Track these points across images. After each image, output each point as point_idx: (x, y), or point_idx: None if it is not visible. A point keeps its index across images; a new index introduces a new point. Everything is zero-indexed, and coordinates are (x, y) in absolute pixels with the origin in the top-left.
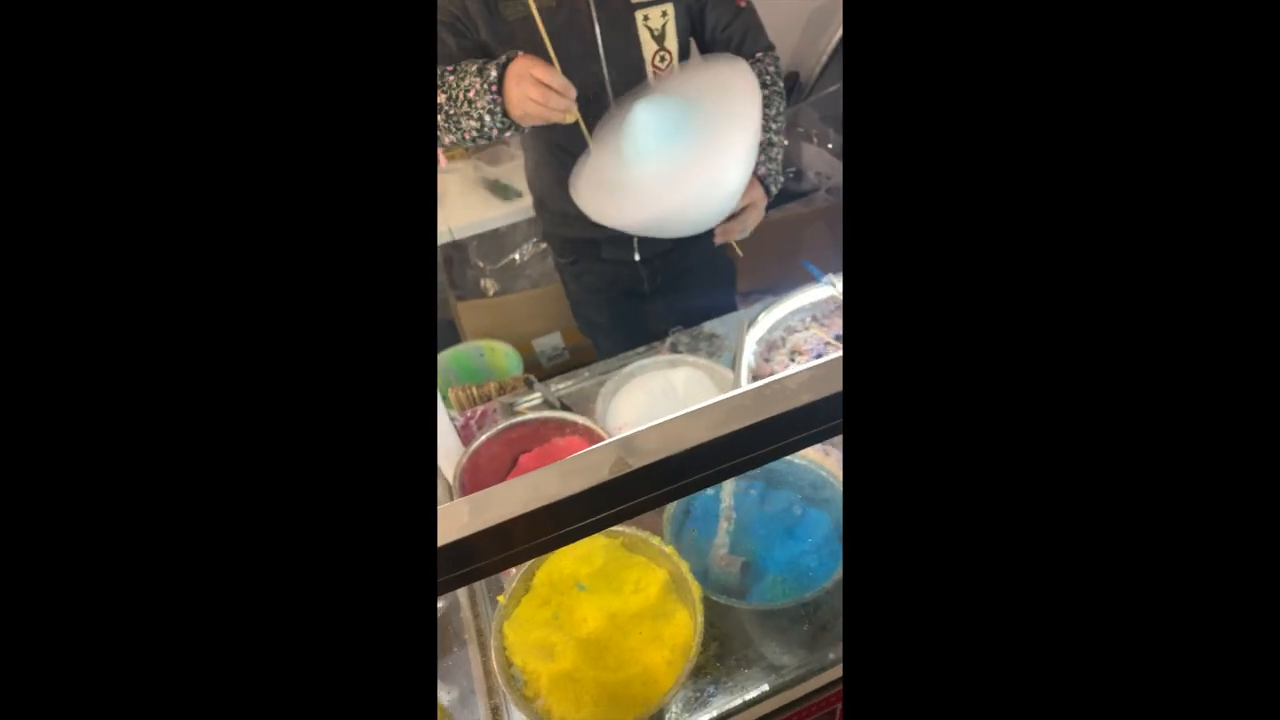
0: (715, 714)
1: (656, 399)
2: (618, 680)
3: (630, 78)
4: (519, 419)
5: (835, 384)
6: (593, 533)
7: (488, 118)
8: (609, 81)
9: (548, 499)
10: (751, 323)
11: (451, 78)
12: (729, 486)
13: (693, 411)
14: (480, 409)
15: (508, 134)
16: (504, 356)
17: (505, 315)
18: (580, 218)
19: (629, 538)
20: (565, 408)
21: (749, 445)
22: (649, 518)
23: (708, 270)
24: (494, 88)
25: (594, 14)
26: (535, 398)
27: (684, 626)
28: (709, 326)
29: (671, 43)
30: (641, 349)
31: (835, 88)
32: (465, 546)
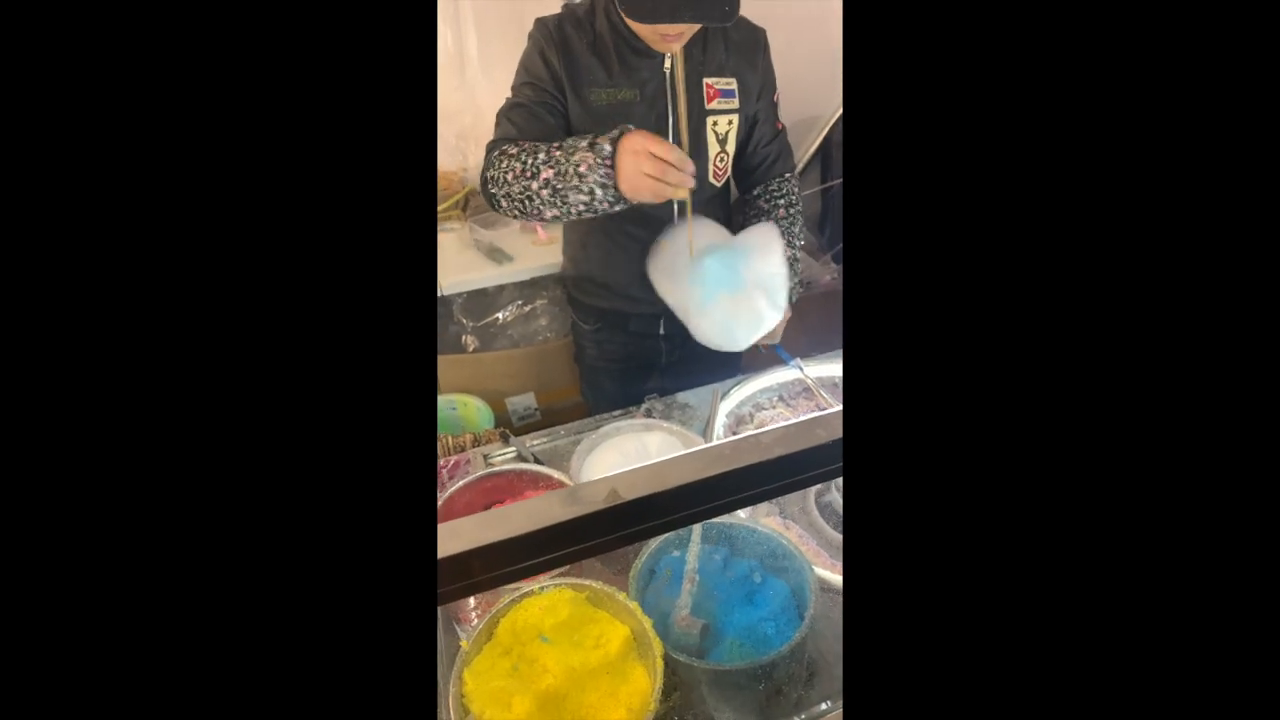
0: None
1: (630, 459)
2: None
3: (696, 174)
4: (493, 470)
5: (804, 442)
6: (558, 565)
7: (599, 191)
8: None
9: (523, 528)
10: (724, 394)
11: (559, 153)
12: (695, 549)
13: (678, 456)
14: (453, 459)
15: (616, 207)
16: (476, 411)
17: (481, 371)
18: (616, 290)
19: (594, 592)
20: (539, 462)
21: (725, 490)
22: (615, 575)
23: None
24: (607, 162)
25: (670, 114)
26: (510, 451)
27: (642, 686)
28: (682, 396)
29: (730, 146)
30: (617, 413)
31: (811, 190)
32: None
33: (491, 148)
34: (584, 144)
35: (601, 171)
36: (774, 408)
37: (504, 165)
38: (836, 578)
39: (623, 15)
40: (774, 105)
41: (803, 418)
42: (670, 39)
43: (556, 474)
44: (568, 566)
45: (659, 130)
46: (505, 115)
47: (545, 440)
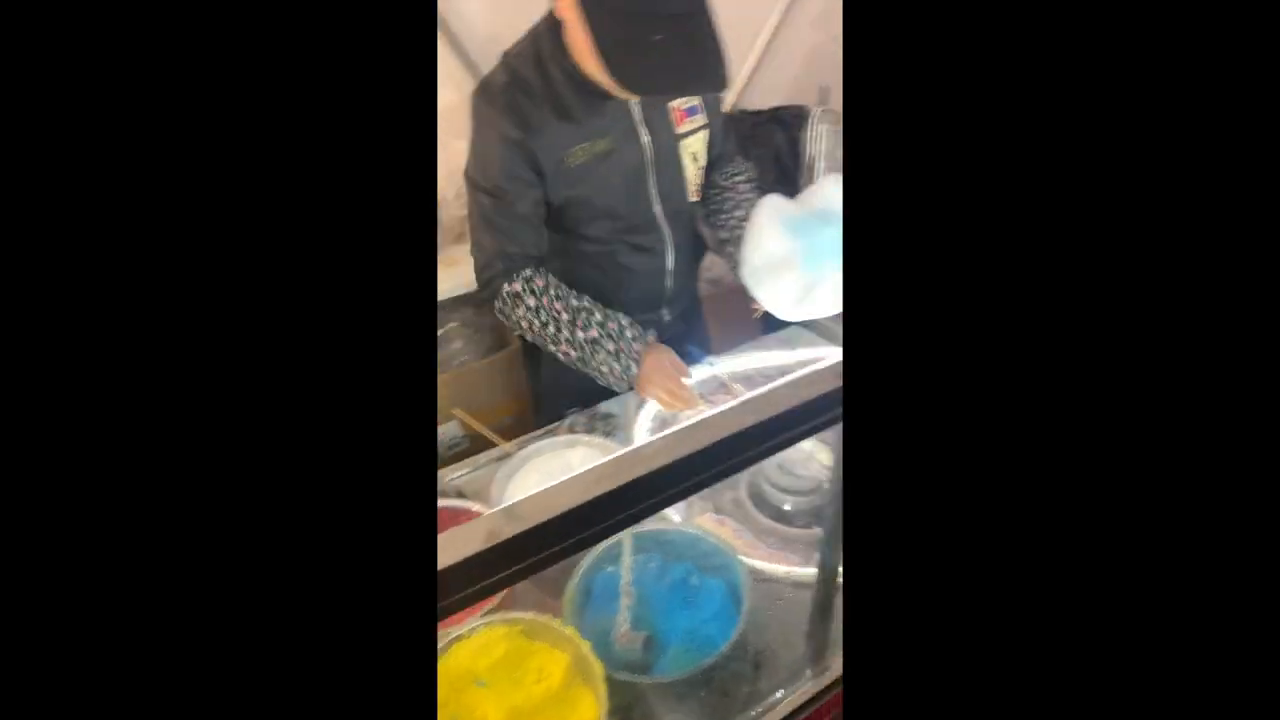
0: None
1: (553, 479)
2: None
3: (676, 198)
4: None
5: (692, 446)
6: (478, 600)
7: (618, 385)
8: (657, 204)
9: (458, 556)
10: (641, 403)
11: (581, 347)
12: (628, 561)
13: (580, 474)
14: None
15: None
16: None
17: None
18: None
19: (528, 624)
20: (462, 495)
21: (632, 499)
22: (549, 601)
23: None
24: (630, 378)
25: (646, 150)
26: None
27: (590, 713)
28: (604, 406)
29: (703, 161)
30: (538, 432)
31: None
32: None
33: (493, 274)
34: (608, 351)
35: (623, 383)
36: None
37: (520, 313)
38: (774, 566)
39: (601, 69)
40: (719, 100)
41: (701, 416)
42: None
43: (476, 505)
44: (498, 600)
45: (637, 168)
46: (486, 215)
47: (468, 470)
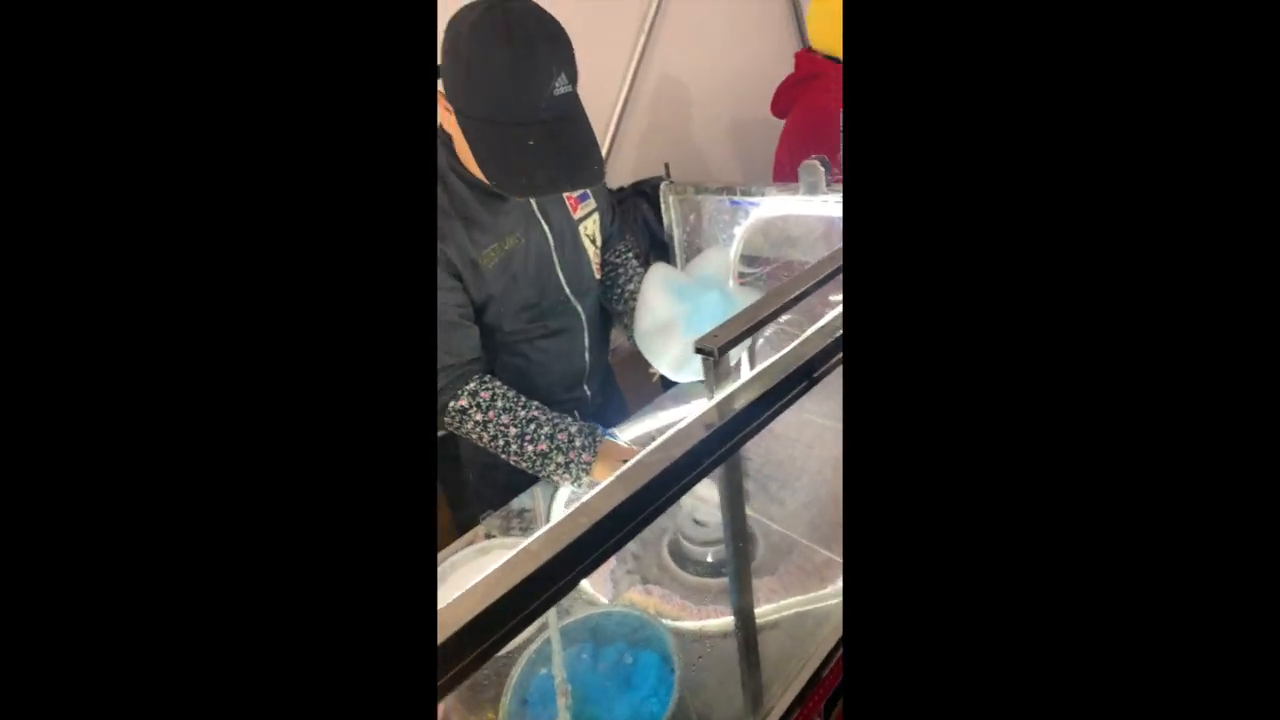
0: None
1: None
2: None
3: (582, 278)
4: None
5: (567, 540)
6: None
7: (572, 488)
8: (566, 286)
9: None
10: (555, 491)
11: (531, 459)
12: (559, 659)
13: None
14: None
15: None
16: None
17: None
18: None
19: None
20: None
21: (509, 613)
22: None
23: (614, 400)
24: (585, 481)
25: (549, 237)
26: None
27: None
28: (517, 503)
29: (599, 241)
30: (456, 543)
31: None
32: None
33: (439, 390)
34: (558, 464)
35: (577, 484)
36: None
37: (469, 428)
38: (704, 622)
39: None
40: (605, 186)
41: (567, 513)
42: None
43: None
44: None
45: (543, 255)
46: None
47: None
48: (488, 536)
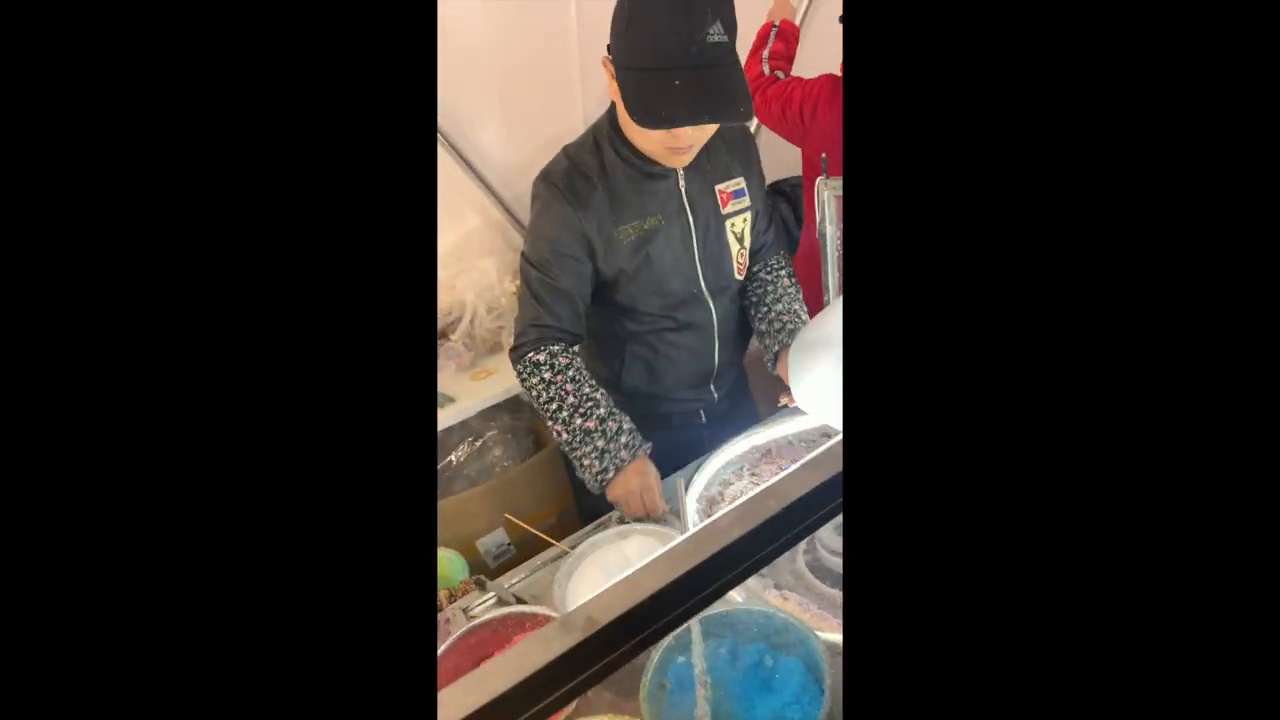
0: None
1: (613, 573)
2: None
3: (721, 275)
4: (475, 623)
5: (762, 517)
6: (560, 707)
7: (590, 484)
8: (703, 280)
9: (507, 683)
10: (688, 483)
11: (573, 434)
12: (699, 650)
13: (638, 569)
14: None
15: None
16: (448, 563)
17: (445, 520)
18: (662, 396)
19: None
20: (521, 602)
21: (695, 588)
22: (623, 703)
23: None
24: (605, 484)
25: (693, 227)
26: (489, 598)
27: None
28: None
29: (748, 242)
30: (589, 527)
31: None
32: None
33: (525, 340)
34: (596, 448)
35: (596, 482)
36: (740, 480)
37: (534, 382)
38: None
39: (639, 127)
40: (765, 192)
41: (754, 492)
42: (680, 152)
43: (542, 610)
44: (572, 708)
45: (683, 243)
46: (531, 287)
47: (524, 576)
48: (620, 522)
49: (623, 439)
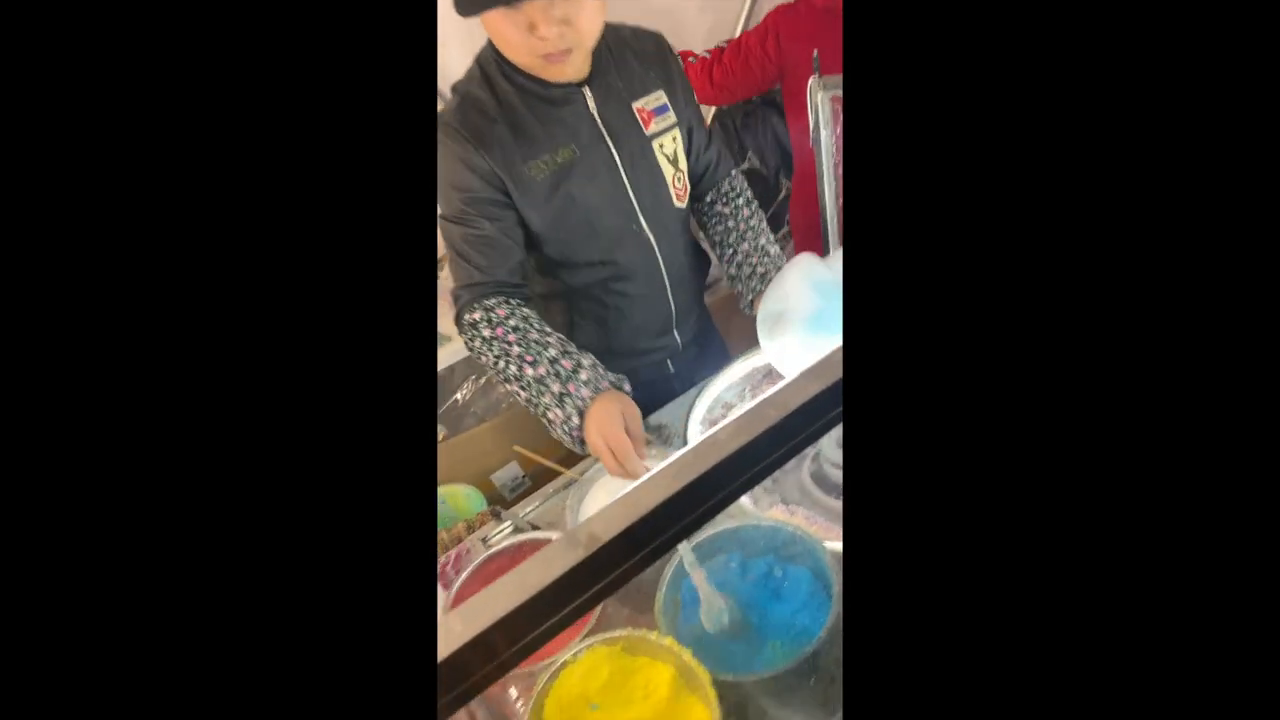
0: None
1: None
2: None
3: (660, 205)
4: (494, 549)
5: (761, 427)
6: (589, 608)
7: (565, 439)
8: (641, 213)
9: (536, 587)
10: (690, 407)
11: (530, 387)
12: (689, 559)
13: (646, 479)
14: (453, 553)
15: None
16: (464, 499)
17: (457, 457)
18: (620, 351)
19: (627, 640)
20: (536, 529)
21: (701, 498)
22: (640, 617)
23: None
24: (576, 432)
25: (615, 153)
26: (506, 527)
27: (702, 717)
28: (653, 419)
29: (683, 164)
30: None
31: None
32: (464, 656)
33: (460, 304)
34: (553, 394)
35: (568, 435)
36: (742, 401)
37: (477, 345)
38: None
39: (494, 36)
40: (697, 106)
41: (753, 402)
42: (555, 59)
43: (555, 534)
44: (594, 621)
45: (607, 174)
46: (455, 245)
47: (538, 504)
48: None
49: (582, 376)
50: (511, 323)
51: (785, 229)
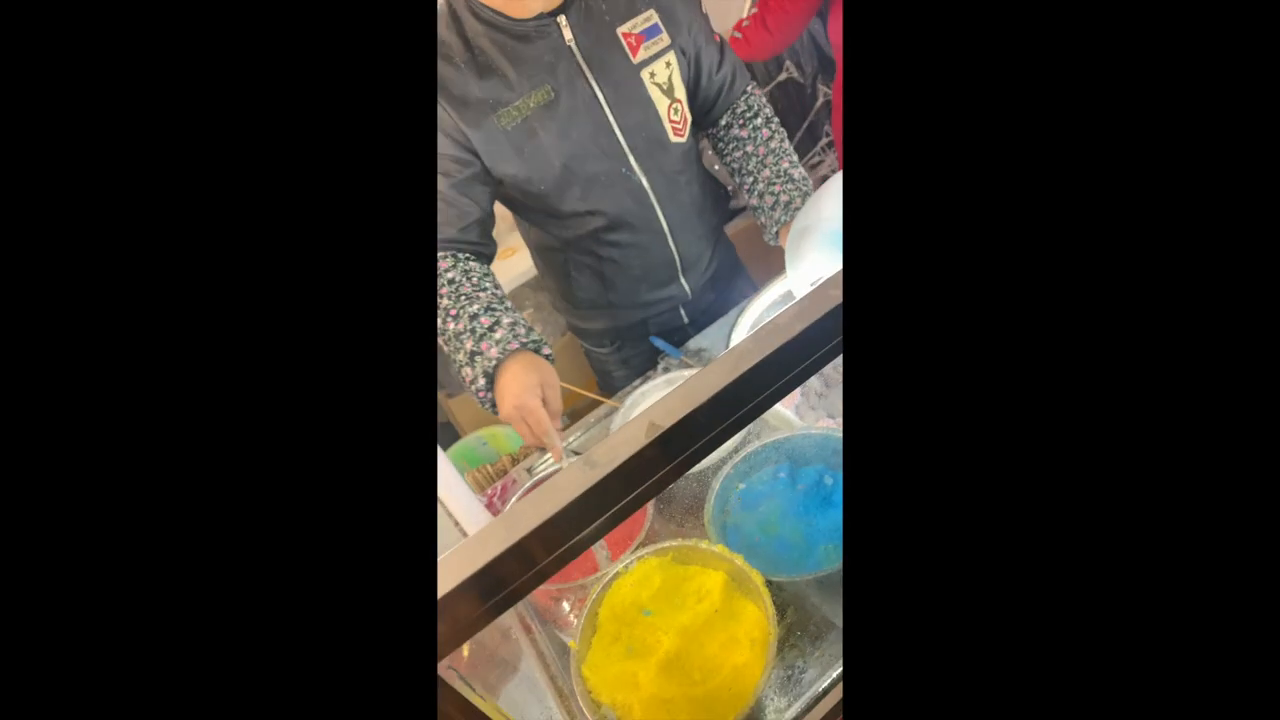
0: (815, 692)
1: None
2: (707, 690)
3: (654, 143)
4: (540, 475)
5: (822, 310)
6: (642, 502)
7: (476, 401)
8: (631, 155)
9: (591, 481)
10: (731, 328)
11: (450, 346)
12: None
13: (706, 367)
14: (499, 484)
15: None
16: (506, 440)
17: None
18: (623, 305)
19: (678, 550)
20: (578, 454)
21: (760, 385)
22: (693, 527)
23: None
24: (483, 393)
25: (597, 89)
26: (549, 457)
27: (755, 618)
28: (693, 344)
29: (680, 92)
30: (636, 381)
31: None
32: (503, 563)
33: None
34: (466, 352)
35: (478, 397)
36: None
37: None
38: None
39: None
40: (705, 19)
41: (807, 295)
42: None
43: None
44: (643, 534)
45: (589, 114)
46: None
47: (580, 433)
48: (666, 371)
49: (496, 334)
50: (450, 275)
51: (826, 139)
